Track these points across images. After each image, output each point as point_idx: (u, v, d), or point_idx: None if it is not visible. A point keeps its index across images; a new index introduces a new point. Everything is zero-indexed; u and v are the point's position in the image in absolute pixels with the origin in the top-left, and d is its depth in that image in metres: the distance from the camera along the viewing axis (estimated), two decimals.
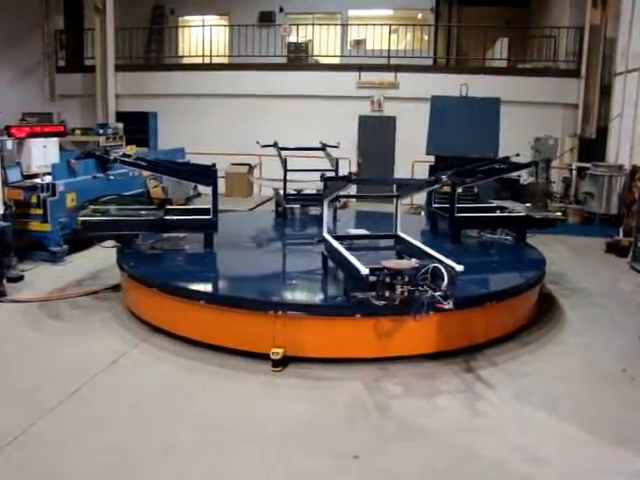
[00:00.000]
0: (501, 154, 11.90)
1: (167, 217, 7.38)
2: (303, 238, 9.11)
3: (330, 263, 6.52)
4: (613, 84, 13.87)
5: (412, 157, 13.98)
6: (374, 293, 5.29)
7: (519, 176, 11.01)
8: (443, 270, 5.15)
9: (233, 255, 7.66)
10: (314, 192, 10.00)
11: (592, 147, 14.35)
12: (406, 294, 5.17)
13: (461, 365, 5.66)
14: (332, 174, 9.76)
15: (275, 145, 10.44)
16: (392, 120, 16.21)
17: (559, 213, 9.31)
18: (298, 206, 10.07)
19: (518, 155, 10.21)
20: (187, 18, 20.97)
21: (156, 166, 8.13)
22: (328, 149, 10.63)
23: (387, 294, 5.21)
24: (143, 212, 7.63)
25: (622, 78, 13.02)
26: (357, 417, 4.75)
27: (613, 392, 5.25)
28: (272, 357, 5.41)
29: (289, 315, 5.57)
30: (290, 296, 6.19)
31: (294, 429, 4.54)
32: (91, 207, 7.57)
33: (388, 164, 16.03)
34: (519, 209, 8.50)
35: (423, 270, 5.19)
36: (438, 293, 5.10)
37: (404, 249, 6.69)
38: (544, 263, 7.31)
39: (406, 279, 5.18)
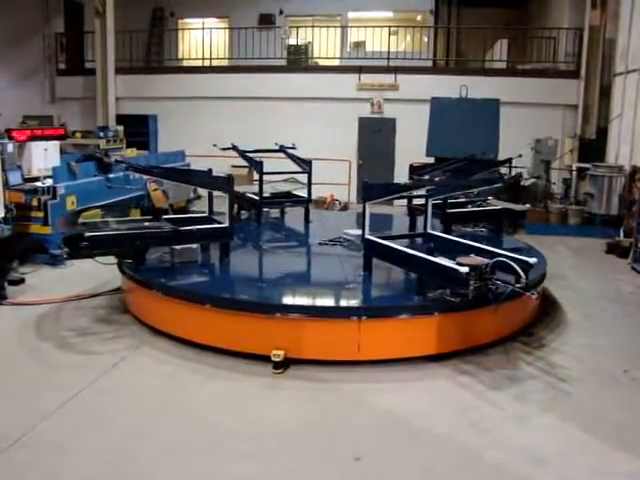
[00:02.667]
0: (501, 156, 11.95)
1: (182, 228, 6.99)
2: (304, 240, 9.13)
3: (376, 263, 6.66)
4: (613, 85, 13.88)
5: (412, 159, 13.97)
6: (448, 290, 5.63)
7: (504, 174, 11.01)
8: (514, 264, 5.46)
9: (261, 259, 7.69)
10: (285, 192, 10.09)
11: (592, 148, 14.35)
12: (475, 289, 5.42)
13: (461, 366, 5.66)
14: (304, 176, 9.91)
15: (234, 148, 10.36)
16: (392, 122, 16.22)
17: (528, 205, 10.35)
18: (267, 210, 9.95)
19: (520, 156, 10.30)
20: (187, 21, 21.00)
21: (173, 174, 7.97)
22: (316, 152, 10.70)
23: (462, 290, 5.45)
24: (145, 224, 7.33)
25: (622, 79, 13.03)
26: (357, 419, 4.76)
27: (614, 393, 5.25)
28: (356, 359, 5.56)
29: (370, 320, 5.62)
30: (371, 300, 6.19)
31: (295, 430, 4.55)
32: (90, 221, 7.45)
33: (388, 166, 16.03)
34: (496, 204, 9.12)
35: (495, 265, 5.51)
36: (518, 285, 5.38)
37: (438, 245, 6.87)
38: (545, 262, 7.34)
39: (479, 274, 5.41)
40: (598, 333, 6.65)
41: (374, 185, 7.09)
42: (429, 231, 7.40)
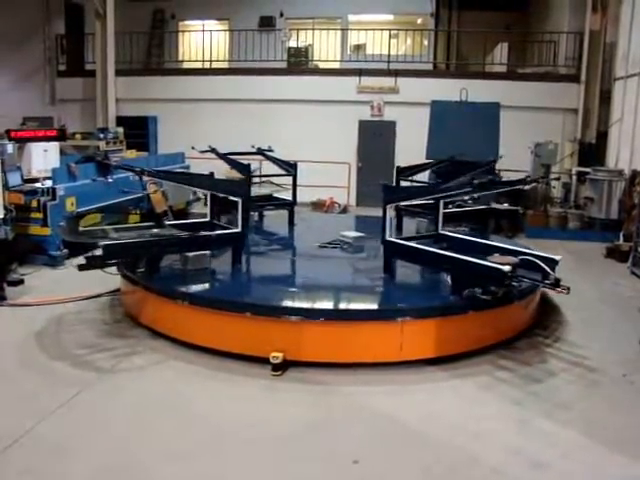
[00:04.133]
0: (501, 159, 11.94)
1: (200, 234, 6.94)
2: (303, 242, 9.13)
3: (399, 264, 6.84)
4: (613, 89, 13.89)
5: (412, 162, 13.95)
6: (479, 289, 5.76)
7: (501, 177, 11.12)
8: (539, 262, 5.68)
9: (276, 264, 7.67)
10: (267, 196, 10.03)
11: (592, 152, 14.35)
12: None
13: (459, 369, 5.66)
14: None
15: (213, 150, 10.22)
16: (392, 125, 16.22)
17: (519, 208, 10.66)
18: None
19: (501, 157, 10.36)
20: (187, 23, 20.99)
21: (189, 179, 7.88)
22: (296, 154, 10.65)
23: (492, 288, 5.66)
24: (154, 230, 7.18)
25: (622, 83, 13.04)
26: (356, 421, 4.75)
27: (613, 397, 5.24)
28: (397, 359, 5.61)
29: (413, 321, 5.67)
30: (412, 300, 6.18)
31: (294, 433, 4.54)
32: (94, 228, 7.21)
33: (388, 169, 16.00)
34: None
35: (524, 263, 5.75)
36: (547, 282, 5.51)
37: (452, 245, 6.97)
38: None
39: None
40: (597, 337, 6.64)
41: (395, 188, 7.13)
42: (440, 232, 7.50)
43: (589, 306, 7.68)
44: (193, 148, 10.55)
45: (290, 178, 10.06)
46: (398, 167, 10.33)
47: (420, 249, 6.56)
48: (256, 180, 10.39)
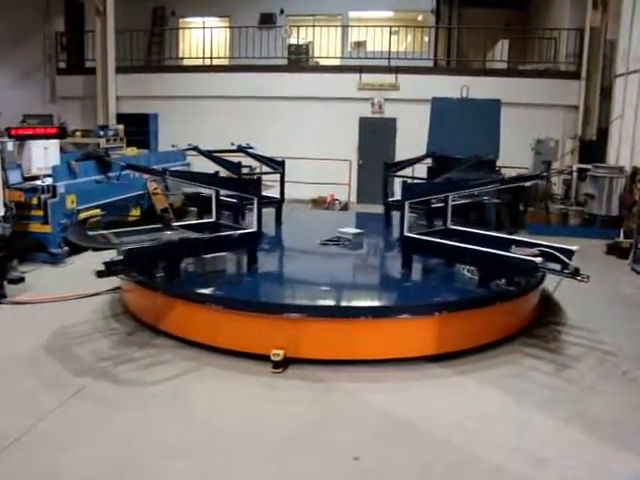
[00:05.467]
0: (501, 156, 11.95)
1: (220, 234, 6.87)
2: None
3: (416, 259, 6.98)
4: (613, 86, 13.86)
5: None
6: (503, 280, 6.08)
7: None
8: (558, 253, 6.00)
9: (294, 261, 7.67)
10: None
11: (592, 149, 14.34)
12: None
13: (460, 366, 5.66)
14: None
15: (195, 148, 10.19)
16: (392, 122, 16.21)
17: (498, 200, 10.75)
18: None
19: (492, 156, 10.44)
20: (188, 20, 20.99)
21: (203, 179, 7.75)
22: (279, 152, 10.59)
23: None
24: (167, 232, 6.93)
25: (622, 80, 13.01)
26: (357, 418, 4.75)
27: (614, 394, 5.24)
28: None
29: (450, 315, 5.75)
30: (449, 295, 6.25)
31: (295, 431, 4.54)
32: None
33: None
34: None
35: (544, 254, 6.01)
36: (567, 271, 5.77)
37: (462, 239, 7.01)
38: None
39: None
40: (597, 334, 6.63)
41: (415, 185, 7.20)
42: (449, 226, 7.57)
43: (589, 303, 7.66)
44: (174, 146, 10.48)
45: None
46: (386, 164, 10.43)
47: (446, 244, 6.68)
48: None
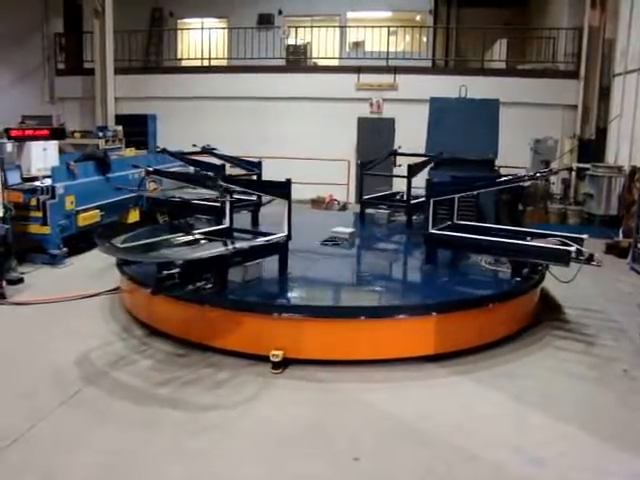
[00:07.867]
0: (500, 156, 11.94)
1: (257, 242, 6.48)
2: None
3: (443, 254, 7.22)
4: (612, 85, 13.88)
5: (411, 159, 13.95)
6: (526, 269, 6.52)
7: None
8: (570, 242, 6.26)
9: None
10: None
11: (591, 148, 14.35)
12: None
13: (458, 366, 5.66)
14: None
15: (164, 150, 9.94)
16: (391, 122, 16.19)
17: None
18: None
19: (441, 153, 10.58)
20: (186, 21, 21.00)
21: (238, 182, 7.60)
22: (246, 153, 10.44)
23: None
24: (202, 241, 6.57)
25: (621, 79, 13.03)
26: (357, 418, 4.75)
27: (613, 393, 5.25)
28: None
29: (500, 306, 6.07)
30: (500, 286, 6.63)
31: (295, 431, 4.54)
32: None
33: (387, 166, 15.98)
34: None
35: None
36: (582, 257, 6.06)
37: (474, 233, 7.15)
38: None
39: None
40: (597, 333, 6.64)
41: (439, 183, 7.34)
42: (455, 222, 7.66)
43: (589, 302, 7.67)
44: (157, 147, 10.43)
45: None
46: (360, 162, 10.78)
47: (477, 239, 6.84)
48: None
